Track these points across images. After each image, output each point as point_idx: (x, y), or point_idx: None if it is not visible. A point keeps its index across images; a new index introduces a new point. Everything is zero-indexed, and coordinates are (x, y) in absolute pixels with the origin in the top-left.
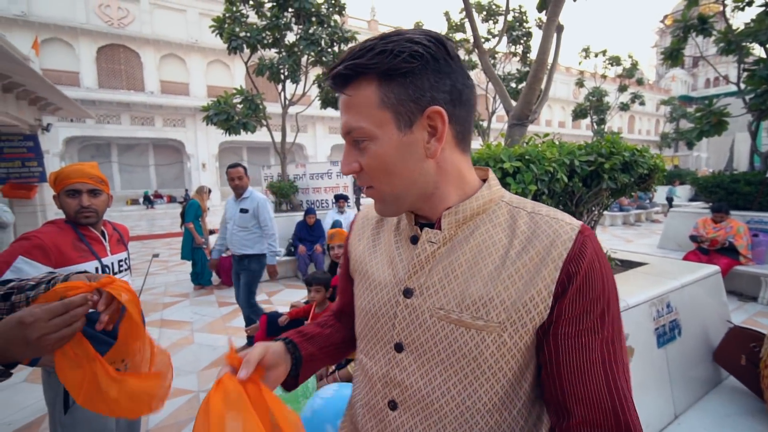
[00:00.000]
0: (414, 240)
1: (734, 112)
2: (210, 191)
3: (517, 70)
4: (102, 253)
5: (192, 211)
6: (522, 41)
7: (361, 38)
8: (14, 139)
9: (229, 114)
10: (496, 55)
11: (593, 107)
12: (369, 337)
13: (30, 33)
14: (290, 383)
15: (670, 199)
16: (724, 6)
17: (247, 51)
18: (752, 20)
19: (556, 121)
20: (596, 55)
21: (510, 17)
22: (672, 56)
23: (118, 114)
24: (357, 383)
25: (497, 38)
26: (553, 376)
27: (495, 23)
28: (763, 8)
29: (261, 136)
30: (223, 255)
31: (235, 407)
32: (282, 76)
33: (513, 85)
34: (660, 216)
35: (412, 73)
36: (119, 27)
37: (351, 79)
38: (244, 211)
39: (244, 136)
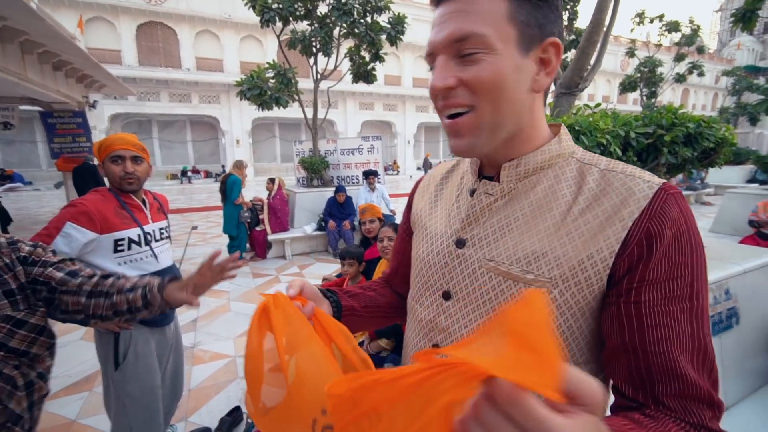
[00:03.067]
0: (473, 192)
1: None
2: (246, 165)
3: (584, 30)
4: (144, 220)
5: (237, 187)
6: (569, 6)
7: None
8: (65, 116)
9: (262, 89)
10: None
11: (644, 79)
12: (421, 284)
13: (75, 12)
14: None
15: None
16: None
17: (279, 24)
18: None
19: (600, 95)
20: (651, 21)
21: None
22: (744, 18)
23: (158, 91)
24: (408, 330)
25: None
26: (635, 348)
27: None
28: None
29: (293, 112)
30: (257, 229)
31: (294, 324)
32: (314, 49)
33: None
34: (711, 198)
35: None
36: (156, 4)
37: None
38: None
39: (276, 112)
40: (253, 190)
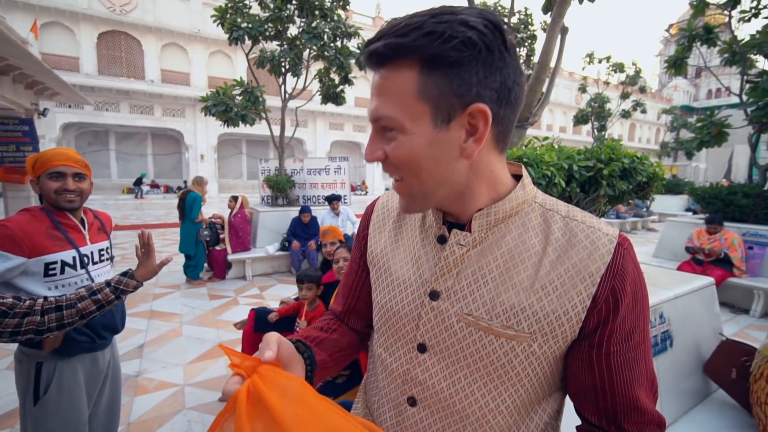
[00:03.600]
0: (441, 240)
1: (735, 124)
2: (207, 182)
3: (531, 70)
4: (80, 241)
5: (198, 205)
6: (526, 44)
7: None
8: (9, 123)
9: (228, 105)
10: None
11: (595, 113)
12: (389, 333)
13: (30, 16)
14: None
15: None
16: (730, 17)
17: (248, 42)
18: (758, 32)
19: (557, 126)
20: (600, 61)
21: (515, 19)
22: (676, 65)
23: (117, 102)
24: (374, 373)
25: None
26: (605, 389)
27: (507, 24)
28: (766, 20)
29: (261, 129)
30: (216, 248)
31: (302, 406)
32: (283, 69)
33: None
34: (656, 225)
35: (460, 64)
36: (121, 13)
37: (389, 60)
38: None
39: (244, 129)
40: (217, 207)
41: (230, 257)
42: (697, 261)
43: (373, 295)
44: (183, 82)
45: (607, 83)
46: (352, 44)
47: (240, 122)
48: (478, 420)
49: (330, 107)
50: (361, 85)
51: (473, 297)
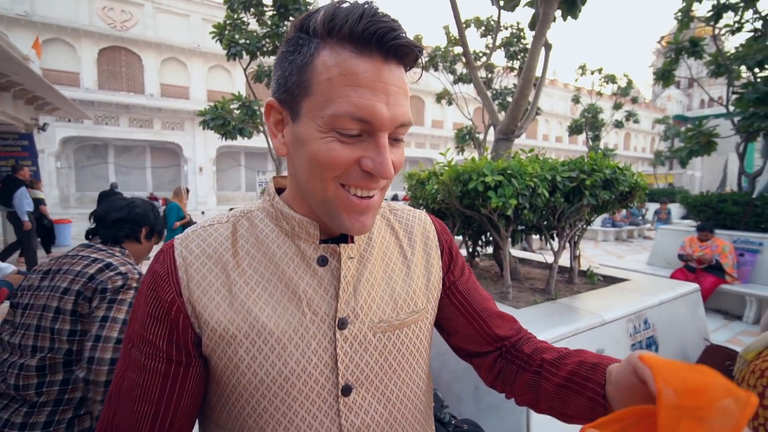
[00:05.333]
0: (323, 261)
1: (725, 133)
2: (188, 191)
3: (514, 85)
4: None
5: (173, 214)
6: (519, 57)
7: None
8: (9, 138)
9: (226, 119)
10: (494, 69)
11: (588, 123)
12: (284, 410)
13: (32, 33)
14: None
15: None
16: (715, 30)
17: (246, 57)
18: (741, 45)
19: (554, 136)
20: (592, 73)
21: (508, 33)
22: (664, 77)
23: (117, 116)
24: None
25: (489, 54)
26: (473, 315)
27: (494, 38)
28: (752, 33)
29: (259, 141)
30: None
31: None
32: None
33: (510, 99)
34: (652, 233)
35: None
36: (122, 29)
37: (408, 58)
38: None
39: (242, 141)
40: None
41: None
42: (689, 268)
43: (232, 380)
44: (182, 95)
45: (600, 94)
46: None
47: (238, 135)
48: (411, 412)
49: None
50: None
51: (377, 304)
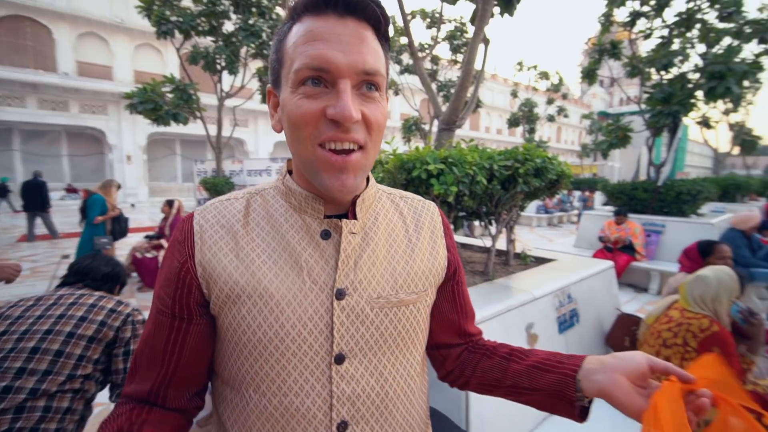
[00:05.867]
0: (326, 235)
1: (638, 129)
2: (119, 186)
3: (458, 77)
4: None
5: (96, 207)
6: (462, 51)
7: None
8: None
9: (158, 103)
10: (439, 62)
11: (525, 117)
12: (278, 369)
13: None
14: None
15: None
16: (631, 35)
17: (179, 37)
18: (652, 49)
19: (495, 128)
20: (529, 69)
21: (452, 27)
22: (589, 75)
23: (23, 96)
24: (255, 431)
25: (433, 46)
26: (458, 311)
27: (438, 30)
28: (660, 40)
29: (197, 128)
30: (147, 256)
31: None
32: (218, 67)
33: (453, 91)
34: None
35: (387, 42)
36: None
37: (361, 9)
38: None
39: (178, 128)
40: (148, 213)
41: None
42: (608, 249)
43: (236, 337)
44: (104, 76)
45: (535, 89)
46: None
47: (172, 121)
48: (405, 393)
49: None
50: None
51: (376, 280)
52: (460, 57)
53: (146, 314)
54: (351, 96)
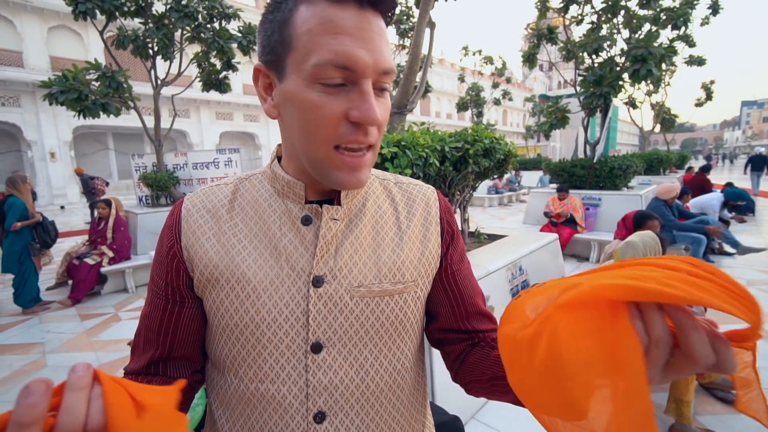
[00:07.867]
0: (306, 221)
1: (575, 110)
2: (27, 180)
3: (406, 62)
4: None
5: (16, 211)
6: (409, 35)
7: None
8: None
9: (82, 92)
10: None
11: (473, 101)
12: (254, 356)
13: None
14: None
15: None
16: (565, 20)
17: (102, 18)
18: (583, 34)
19: (444, 113)
20: (474, 54)
21: (398, 11)
22: (529, 59)
23: None
24: (236, 414)
25: None
26: (459, 302)
27: None
28: (590, 25)
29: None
30: (87, 261)
31: None
32: (151, 52)
33: (401, 76)
34: (527, 196)
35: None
36: None
37: (387, 9)
38: None
39: (108, 120)
40: (81, 215)
41: (104, 269)
42: (553, 223)
43: (217, 321)
44: (13, 62)
45: (481, 74)
46: (233, 27)
47: (101, 112)
48: (390, 387)
49: (215, 95)
50: (248, 72)
51: (358, 268)
52: (407, 42)
53: None
54: (374, 97)
